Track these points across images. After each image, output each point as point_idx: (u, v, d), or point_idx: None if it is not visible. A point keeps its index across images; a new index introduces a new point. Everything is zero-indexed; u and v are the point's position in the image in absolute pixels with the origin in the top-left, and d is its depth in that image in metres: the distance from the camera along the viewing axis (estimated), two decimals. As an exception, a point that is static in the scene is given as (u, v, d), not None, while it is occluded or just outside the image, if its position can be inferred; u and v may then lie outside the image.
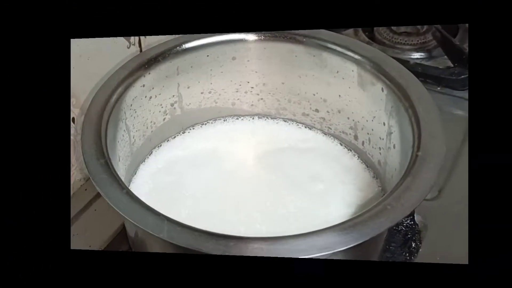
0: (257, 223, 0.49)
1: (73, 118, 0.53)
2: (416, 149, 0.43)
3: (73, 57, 0.49)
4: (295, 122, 0.60)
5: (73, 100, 0.52)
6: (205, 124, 0.59)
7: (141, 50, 0.57)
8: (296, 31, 0.54)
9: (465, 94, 0.65)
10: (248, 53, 0.56)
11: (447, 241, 0.50)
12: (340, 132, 0.57)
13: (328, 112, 0.57)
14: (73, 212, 0.53)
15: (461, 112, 0.63)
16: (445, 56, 0.68)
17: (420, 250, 0.49)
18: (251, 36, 0.55)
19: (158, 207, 0.40)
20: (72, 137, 0.53)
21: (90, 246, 0.50)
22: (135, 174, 0.54)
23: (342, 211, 0.49)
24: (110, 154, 0.44)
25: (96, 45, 0.52)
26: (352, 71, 0.53)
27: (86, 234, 0.51)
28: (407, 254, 0.49)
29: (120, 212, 0.39)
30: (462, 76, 0.65)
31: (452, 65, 0.67)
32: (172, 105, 0.56)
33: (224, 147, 0.57)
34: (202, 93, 0.58)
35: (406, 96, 0.48)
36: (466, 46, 0.67)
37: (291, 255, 0.36)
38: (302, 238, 0.37)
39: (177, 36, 0.55)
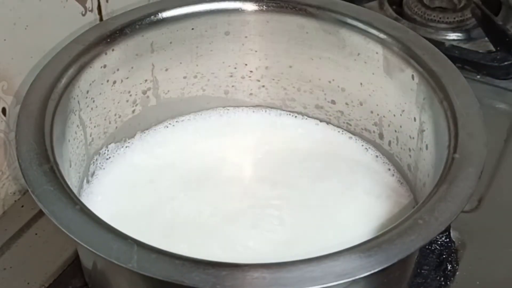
0: (258, 245, 0.48)
1: (4, 109, 0.51)
2: (453, 151, 0.43)
3: (4, 25, 0.48)
4: (306, 116, 0.59)
5: (3, 84, 0.50)
6: (189, 118, 0.58)
7: (101, 19, 0.56)
8: (308, 1, 0.54)
9: (509, 84, 0.65)
10: (246, 27, 0.55)
11: (489, 262, 0.50)
12: (362, 129, 0.57)
13: (347, 104, 0.56)
14: (4, 237, 0.51)
15: (504, 105, 0.64)
16: (486, 38, 0.69)
17: (458, 273, 0.49)
18: (249, 5, 0.54)
19: (125, 229, 0.38)
20: (2, 135, 0.51)
21: (28, 284, 0.48)
22: (93, 184, 0.52)
23: (365, 227, 0.49)
24: (57, 158, 0.42)
25: (38, 9, 0.50)
26: (377, 53, 0.52)
27: (24, 267, 0.49)
28: (442, 279, 0.49)
29: (72, 236, 0.37)
30: (506, 63, 0.65)
31: (494, 49, 0.67)
32: (144, 92, 0.55)
33: (214, 148, 0.56)
34: (185, 77, 0.56)
35: (441, 85, 0.48)
36: (510, 27, 0.68)
37: (302, 285, 0.35)
38: (315, 263, 0.36)
39: (151, 0, 0.53)
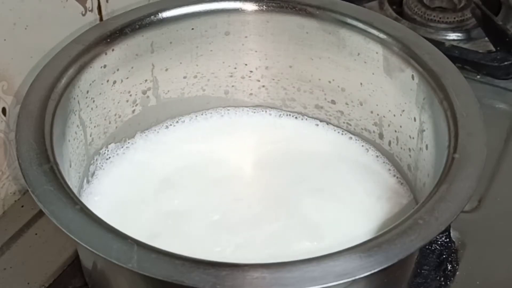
0: (257, 245, 0.48)
1: (4, 109, 0.51)
2: (453, 151, 0.43)
3: (4, 25, 0.48)
4: (306, 117, 0.59)
5: (3, 84, 0.50)
6: (189, 118, 0.58)
7: (101, 19, 0.56)
8: (308, 1, 0.54)
9: (509, 84, 0.65)
10: (246, 27, 0.55)
11: (489, 262, 0.50)
12: (362, 129, 0.57)
13: (347, 104, 0.56)
14: (4, 237, 0.50)
15: (504, 105, 0.64)
16: (486, 38, 0.69)
17: (458, 273, 0.49)
18: (249, 5, 0.54)
19: (125, 229, 0.38)
20: (2, 135, 0.51)
21: (28, 284, 0.48)
22: (93, 184, 0.52)
23: (365, 227, 0.49)
24: (57, 158, 0.42)
25: (38, 9, 0.50)
26: (377, 53, 0.52)
27: (24, 267, 0.49)
28: (442, 279, 0.49)
29: (72, 236, 0.37)
30: (506, 63, 0.65)
31: (494, 49, 0.67)
32: (144, 92, 0.55)
33: (214, 149, 0.55)
34: (185, 77, 0.56)
35: (441, 85, 0.48)
36: (510, 27, 0.69)
37: (302, 285, 0.35)
38: (315, 262, 0.36)
39: (151, 0, 0.53)
